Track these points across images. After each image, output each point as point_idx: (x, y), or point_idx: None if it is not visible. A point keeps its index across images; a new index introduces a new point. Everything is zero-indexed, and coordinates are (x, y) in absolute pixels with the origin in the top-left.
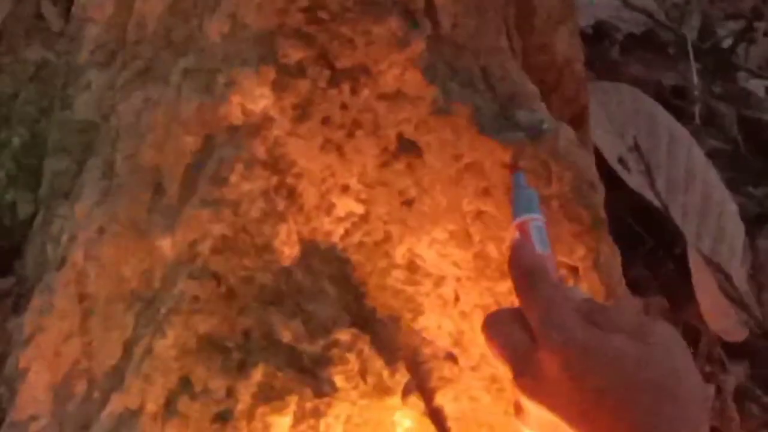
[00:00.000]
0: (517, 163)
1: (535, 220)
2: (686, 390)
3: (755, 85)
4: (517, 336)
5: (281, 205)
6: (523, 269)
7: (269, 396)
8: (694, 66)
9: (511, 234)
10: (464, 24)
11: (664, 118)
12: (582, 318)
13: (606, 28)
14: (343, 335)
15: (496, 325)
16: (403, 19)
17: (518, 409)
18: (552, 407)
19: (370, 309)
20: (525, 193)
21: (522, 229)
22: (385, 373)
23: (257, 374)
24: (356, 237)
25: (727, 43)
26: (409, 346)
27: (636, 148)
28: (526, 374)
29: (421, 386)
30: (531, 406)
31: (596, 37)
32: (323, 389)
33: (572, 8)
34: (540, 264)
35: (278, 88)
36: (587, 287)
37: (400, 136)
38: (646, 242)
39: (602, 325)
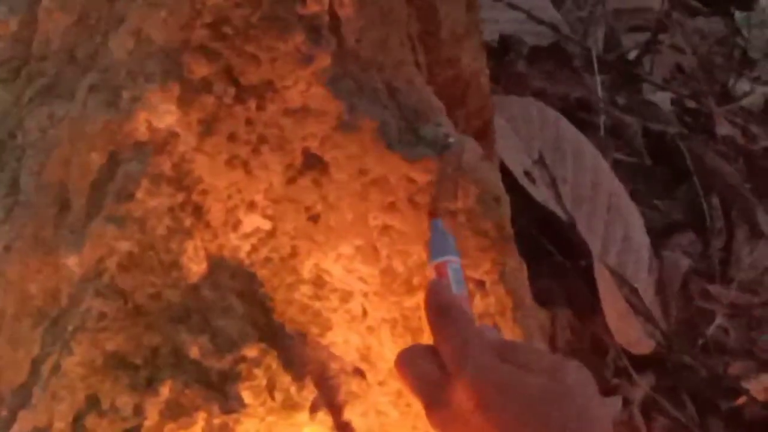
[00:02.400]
0: (436, 209)
1: (453, 262)
2: (596, 430)
3: (661, 98)
4: (430, 370)
5: (188, 221)
6: (439, 307)
7: (177, 413)
8: (599, 78)
9: (429, 275)
10: (369, 38)
11: (569, 130)
12: (497, 355)
13: (511, 41)
14: (251, 351)
15: (408, 359)
16: (307, 35)
17: None
18: None
19: (277, 324)
20: (443, 236)
21: (439, 270)
22: (293, 389)
23: (165, 391)
24: (263, 253)
25: (632, 54)
26: (316, 362)
27: (541, 161)
28: (438, 407)
29: (329, 401)
30: None
31: (501, 50)
32: (231, 405)
33: (477, 22)
34: (456, 302)
35: (184, 104)
36: (494, 300)
37: (305, 152)
38: (553, 255)
39: (517, 363)
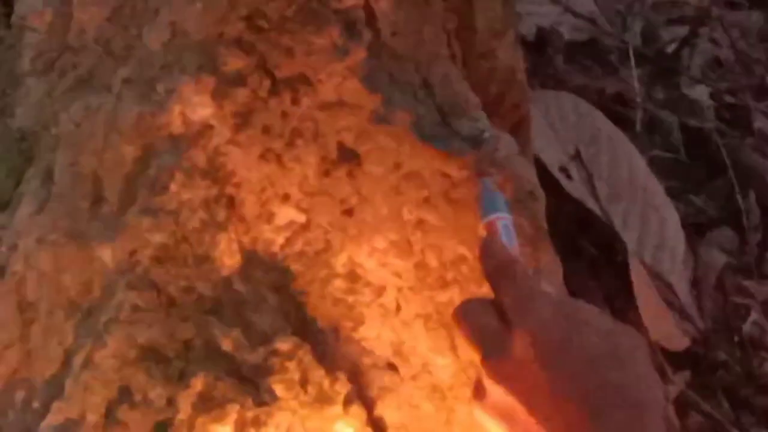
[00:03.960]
0: (483, 168)
1: (503, 219)
2: (650, 400)
3: (699, 92)
4: (488, 321)
5: (221, 214)
6: (497, 261)
7: (209, 405)
8: (636, 73)
9: (480, 233)
10: (405, 33)
11: (606, 126)
12: (558, 311)
13: (548, 35)
14: (284, 344)
15: (467, 311)
16: (343, 29)
17: (478, 392)
18: (517, 392)
19: (310, 318)
20: (492, 194)
21: (490, 228)
22: (326, 383)
23: (197, 384)
24: (297, 246)
25: (671, 48)
26: (349, 356)
27: (577, 156)
28: (495, 357)
29: (362, 396)
30: (493, 390)
31: (538, 44)
32: (263, 399)
33: (514, 17)
34: (513, 256)
35: (218, 96)
36: None
37: (340, 145)
38: (588, 251)
39: (577, 320)
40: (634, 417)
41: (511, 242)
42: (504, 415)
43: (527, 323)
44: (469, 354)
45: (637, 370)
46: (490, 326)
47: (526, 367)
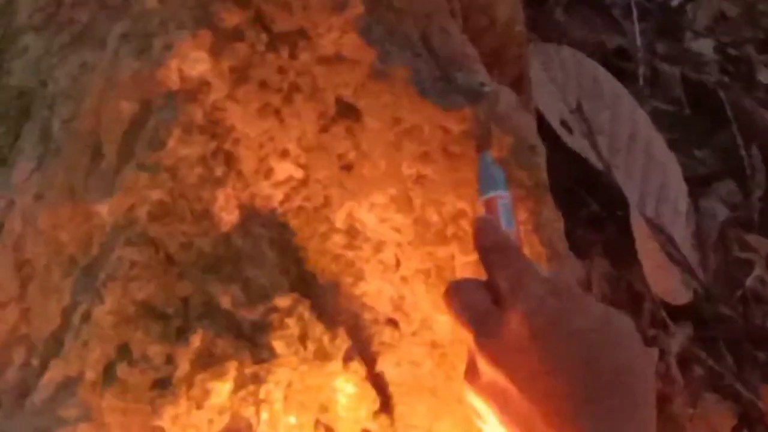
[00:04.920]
0: (484, 142)
1: (502, 197)
2: (641, 385)
3: (703, 45)
4: (481, 300)
5: (219, 170)
6: (492, 241)
7: (208, 362)
8: (638, 27)
9: (478, 210)
10: None
11: (607, 79)
12: (551, 292)
13: None
14: (283, 301)
15: (459, 290)
16: None
17: (470, 372)
18: (509, 372)
19: (310, 274)
20: (492, 170)
21: (489, 206)
22: (326, 339)
23: (196, 341)
24: (296, 201)
25: (675, 2)
26: (349, 312)
27: (578, 110)
28: (488, 336)
29: (362, 352)
30: (486, 370)
31: None
32: (263, 355)
33: None
34: (509, 236)
35: (215, 52)
36: (529, 250)
37: (338, 100)
38: (589, 205)
39: (569, 303)
40: (625, 401)
41: (509, 222)
42: (496, 397)
43: (521, 303)
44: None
45: (630, 353)
46: (482, 306)
47: (519, 347)
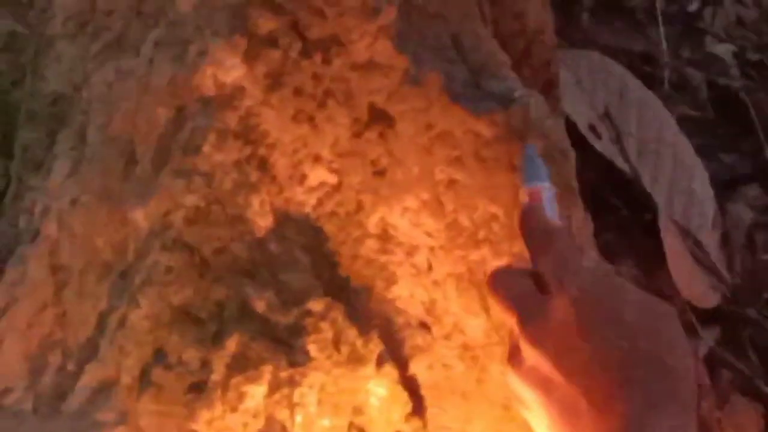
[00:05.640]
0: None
1: (547, 188)
2: (683, 369)
3: (722, 50)
4: (525, 286)
5: (254, 175)
6: (537, 226)
7: (244, 366)
8: (663, 31)
9: (521, 199)
10: None
11: (634, 84)
12: (597, 279)
13: None
14: (317, 305)
15: (502, 277)
16: None
17: (513, 358)
18: (555, 357)
19: (343, 278)
20: (537, 162)
21: (533, 196)
22: (359, 342)
23: (231, 345)
24: (329, 207)
25: (693, 7)
26: (382, 315)
27: (606, 115)
28: (533, 321)
29: (394, 355)
30: (530, 354)
31: (565, 3)
32: (297, 359)
33: None
34: (555, 223)
35: (250, 58)
36: None
37: (371, 106)
38: (618, 209)
39: (614, 289)
40: (669, 386)
41: (553, 212)
42: (540, 383)
43: (567, 289)
44: (501, 316)
45: (672, 339)
46: (525, 292)
47: (564, 332)
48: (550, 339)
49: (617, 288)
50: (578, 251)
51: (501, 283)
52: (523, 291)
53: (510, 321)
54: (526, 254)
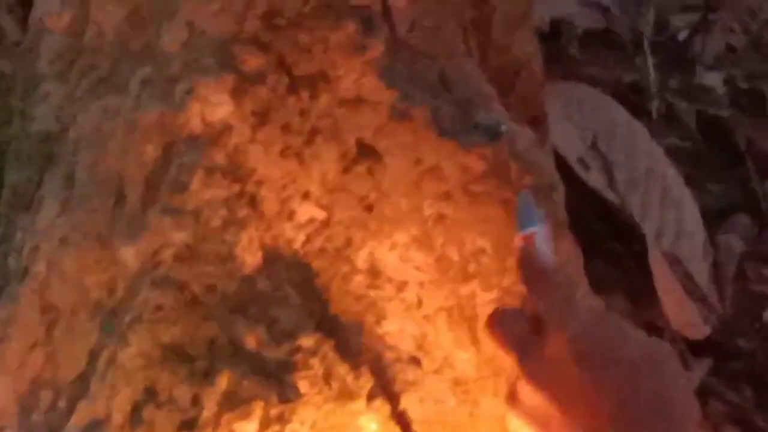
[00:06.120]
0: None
1: (540, 232)
2: (687, 413)
3: (712, 78)
4: (523, 326)
5: (242, 212)
6: (537, 267)
7: (234, 403)
8: (651, 62)
9: (516, 245)
10: (421, 27)
11: (623, 116)
12: (596, 318)
13: (562, 25)
14: (307, 341)
15: (500, 318)
16: (360, 24)
17: (512, 397)
18: (554, 396)
19: (333, 314)
20: (530, 208)
21: (528, 241)
22: (350, 378)
23: (222, 381)
24: (318, 243)
25: (683, 35)
26: (372, 351)
27: (595, 147)
28: (532, 361)
29: (385, 390)
30: (529, 394)
31: (552, 35)
32: (288, 395)
33: (530, 8)
34: (553, 264)
35: (237, 95)
36: None
37: (359, 142)
38: (607, 241)
39: (614, 329)
40: (667, 426)
41: (549, 254)
42: (538, 421)
43: (566, 327)
44: (492, 348)
45: (675, 382)
46: (523, 331)
47: (563, 370)
48: (549, 378)
49: (616, 327)
50: (575, 291)
51: (499, 324)
52: (520, 330)
53: (509, 360)
54: (516, 288)
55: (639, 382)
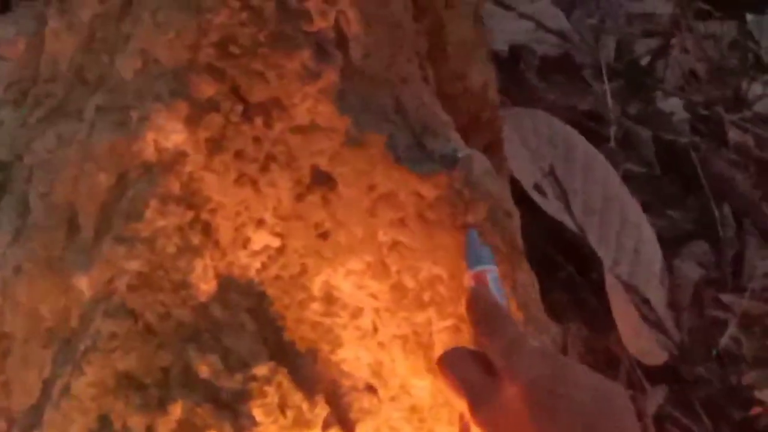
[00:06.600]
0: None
1: (491, 271)
2: None
3: (673, 104)
4: (475, 371)
5: (197, 240)
6: (486, 310)
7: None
8: (609, 88)
9: (466, 283)
10: (376, 54)
11: (580, 142)
12: (547, 363)
13: (521, 52)
14: (262, 369)
15: (452, 360)
16: (313, 52)
17: None
18: None
19: (288, 342)
20: (479, 246)
21: (478, 279)
22: (305, 406)
23: (176, 410)
24: (273, 270)
25: (645, 61)
26: (328, 379)
27: (551, 173)
28: (485, 407)
29: (341, 419)
30: None
31: (511, 61)
32: (243, 424)
33: (484, 37)
34: (502, 306)
35: (191, 123)
36: None
37: (314, 168)
38: (564, 268)
39: (565, 374)
40: None
41: (500, 294)
42: None
43: (517, 373)
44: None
45: (623, 423)
46: (476, 377)
47: (515, 417)
48: (502, 424)
49: (567, 370)
50: (525, 335)
51: (451, 366)
52: (473, 375)
53: (460, 405)
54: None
55: (591, 426)
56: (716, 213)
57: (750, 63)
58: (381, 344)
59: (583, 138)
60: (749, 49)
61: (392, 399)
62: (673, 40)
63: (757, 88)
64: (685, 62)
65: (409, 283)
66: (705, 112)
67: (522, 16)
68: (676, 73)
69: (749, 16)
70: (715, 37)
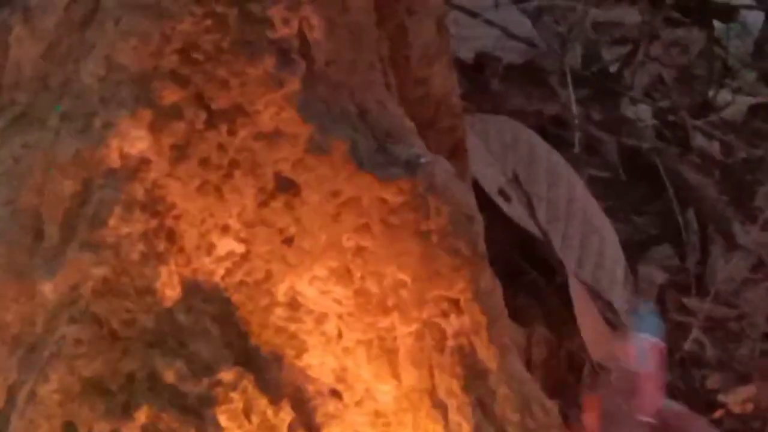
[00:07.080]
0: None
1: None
2: None
3: (640, 111)
4: None
5: (161, 246)
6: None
7: None
8: (573, 95)
9: (634, 347)
10: (339, 61)
11: (543, 148)
12: None
13: (486, 59)
14: (227, 375)
15: None
16: (277, 59)
17: None
18: None
19: (253, 348)
20: (657, 320)
21: (656, 351)
22: (270, 412)
23: (141, 416)
24: (237, 276)
25: (613, 68)
26: (293, 384)
27: (515, 179)
28: None
29: (306, 424)
30: None
31: (477, 67)
32: (208, 429)
33: (447, 43)
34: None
35: (155, 130)
36: (468, 319)
37: (278, 175)
38: (528, 273)
39: None
40: None
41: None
42: None
43: None
44: (412, 380)
45: None
46: None
47: None
48: None
49: None
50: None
51: None
52: None
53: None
54: (443, 324)
55: None
56: (680, 218)
57: (718, 70)
58: (346, 349)
59: (546, 143)
60: (717, 57)
61: (357, 404)
62: (641, 48)
63: (725, 95)
64: (653, 69)
65: (373, 288)
66: (672, 119)
67: (488, 23)
68: (644, 80)
69: (717, 24)
70: (684, 44)
